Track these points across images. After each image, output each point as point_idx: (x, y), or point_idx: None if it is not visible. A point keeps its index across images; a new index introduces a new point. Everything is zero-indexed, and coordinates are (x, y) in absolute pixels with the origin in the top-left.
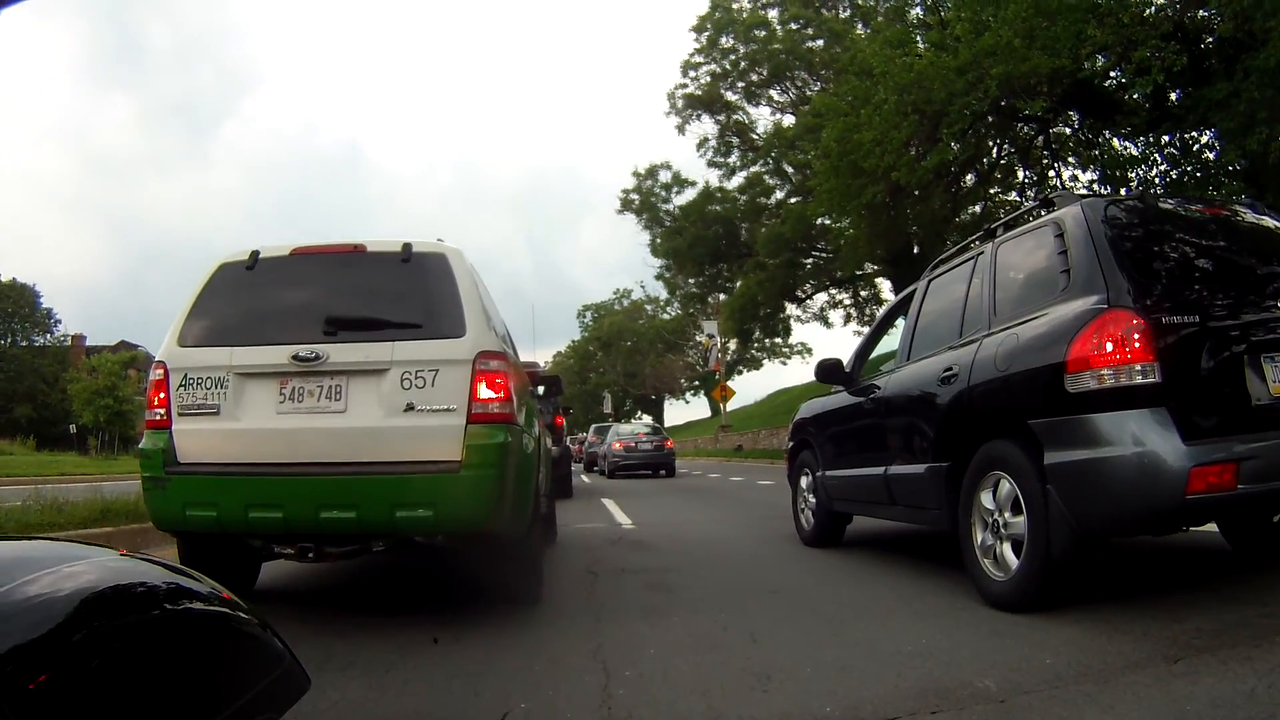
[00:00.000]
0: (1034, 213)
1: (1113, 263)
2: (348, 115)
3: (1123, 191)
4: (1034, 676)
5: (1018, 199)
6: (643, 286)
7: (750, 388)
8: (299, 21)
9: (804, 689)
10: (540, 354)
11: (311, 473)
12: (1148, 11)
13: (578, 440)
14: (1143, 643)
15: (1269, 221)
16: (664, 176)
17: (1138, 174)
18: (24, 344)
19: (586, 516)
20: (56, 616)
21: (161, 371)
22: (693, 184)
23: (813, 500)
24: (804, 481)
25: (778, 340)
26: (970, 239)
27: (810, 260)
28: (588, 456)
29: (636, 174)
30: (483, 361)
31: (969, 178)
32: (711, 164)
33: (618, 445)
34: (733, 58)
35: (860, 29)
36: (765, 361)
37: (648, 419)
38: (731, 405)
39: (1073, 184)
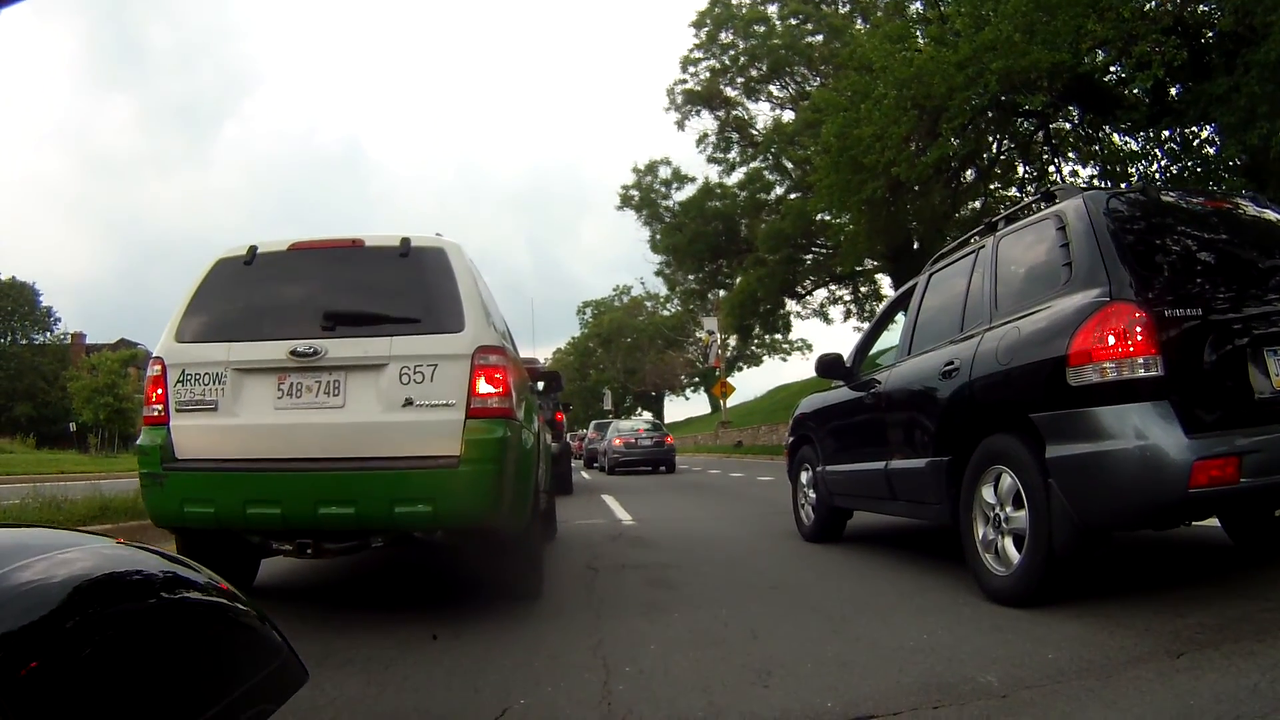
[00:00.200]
0: (1035, 206)
1: (1115, 255)
2: (348, 114)
3: (1123, 187)
4: (1036, 671)
5: (1018, 194)
6: (643, 283)
7: (750, 384)
8: (299, 21)
9: (805, 684)
10: (540, 350)
11: (310, 468)
12: (1148, 6)
13: (578, 436)
14: (1145, 637)
15: (1271, 214)
16: (664, 173)
17: (1138, 169)
18: (24, 342)
19: (587, 512)
20: (50, 603)
21: (159, 367)
22: (692, 180)
23: (813, 495)
24: (804, 477)
25: (778, 336)
26: (971, 233)
27: (810, 256)
28: (588, 453)
29: (636, 170)
30: (482, 356)
31: (969, 173)
32: (711, 160)
33: (618, 441)
34: (732, 53)
35: (860, 24)
36: (765, 358)
37: (648, 415)
38: (731, 401)
39: (1073, 179)
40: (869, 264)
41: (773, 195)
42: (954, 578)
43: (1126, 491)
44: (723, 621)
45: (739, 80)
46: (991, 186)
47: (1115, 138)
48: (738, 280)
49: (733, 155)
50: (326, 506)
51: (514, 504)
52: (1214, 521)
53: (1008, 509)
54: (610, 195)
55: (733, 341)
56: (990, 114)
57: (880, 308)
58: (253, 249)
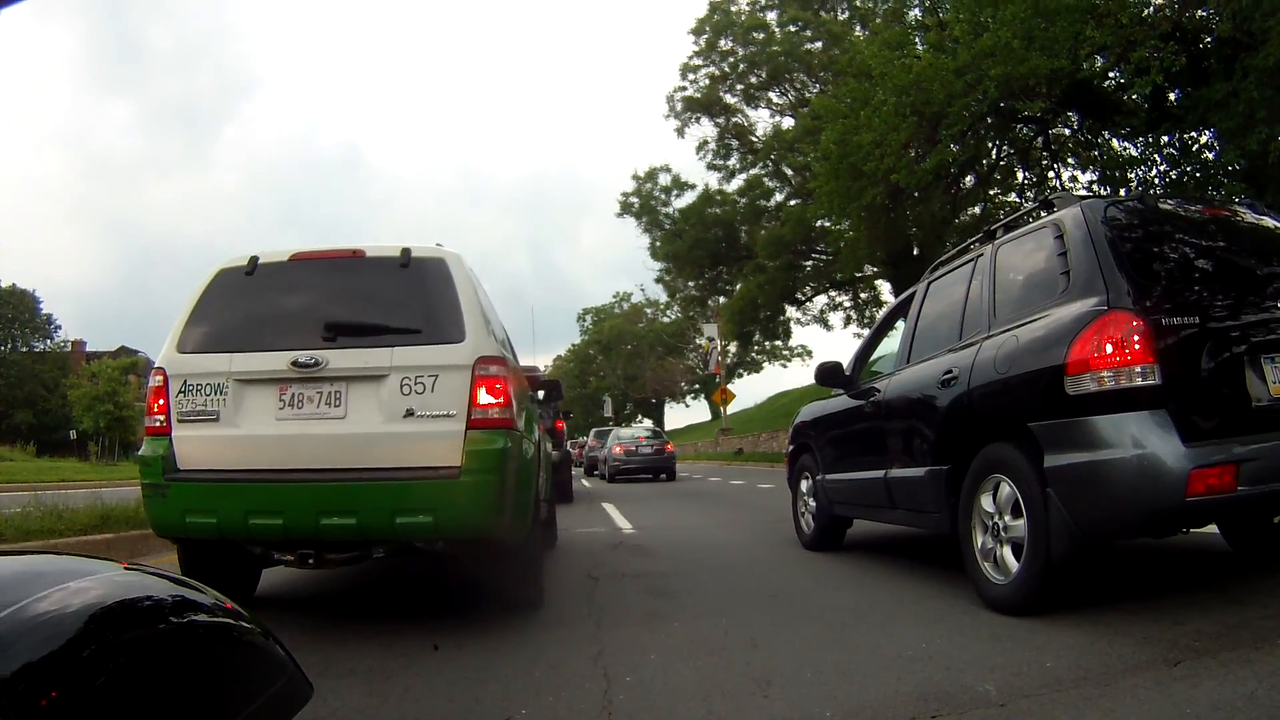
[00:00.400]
0: (1034, 214)
1: (1112, 264)
2: (348, 118)
3: (1122, 192)
4: (1034, 680)
5: (1017, 200)
6: (643, 290)
7: (750, 391)
8: (299, 24)
9: (804, 694)
10: (540, 358)
11: (311, 479)
12: (1146, 12)
13: (578, 444)
14: (1143, 646)
15: (1269, 221)
16: (663, 179)
17: (1137, 174)
18: (24, 350)
19: (587, 521)
20: (67, 634)
21: (161, 378)
22: (692, 187)
23: (813, 504)
24: (804, 485)
25: (778, 343)
26: (970, 241)
27: (810, 262)
28: (588, 460)
29: (636, 177)
30: (482, 367)
31: (968, 179)
32: (711, 167)
33: (618, 449)
34: (731, 60)
35: (859, 31)
36: (765, 364)
37: (648, 423)
38: (732, 408)
39: (1072, 185)
40: (869, 270)
41: (772, 202)
42: (953, 586)
43: (1124, 500)
44: (723, 630)
45: (738, 87)
46: (991, 192)
47: (1114, 143)
48: (738, 287)
49: (732, 162)
50: (328, 517)
51: (514, 514)
52: (1213, 528)
53: (1006, 518)
54: (611, 200)
55: (733, 348)
56: (989, 120)
57: (879, 315)
58: (254, 259)
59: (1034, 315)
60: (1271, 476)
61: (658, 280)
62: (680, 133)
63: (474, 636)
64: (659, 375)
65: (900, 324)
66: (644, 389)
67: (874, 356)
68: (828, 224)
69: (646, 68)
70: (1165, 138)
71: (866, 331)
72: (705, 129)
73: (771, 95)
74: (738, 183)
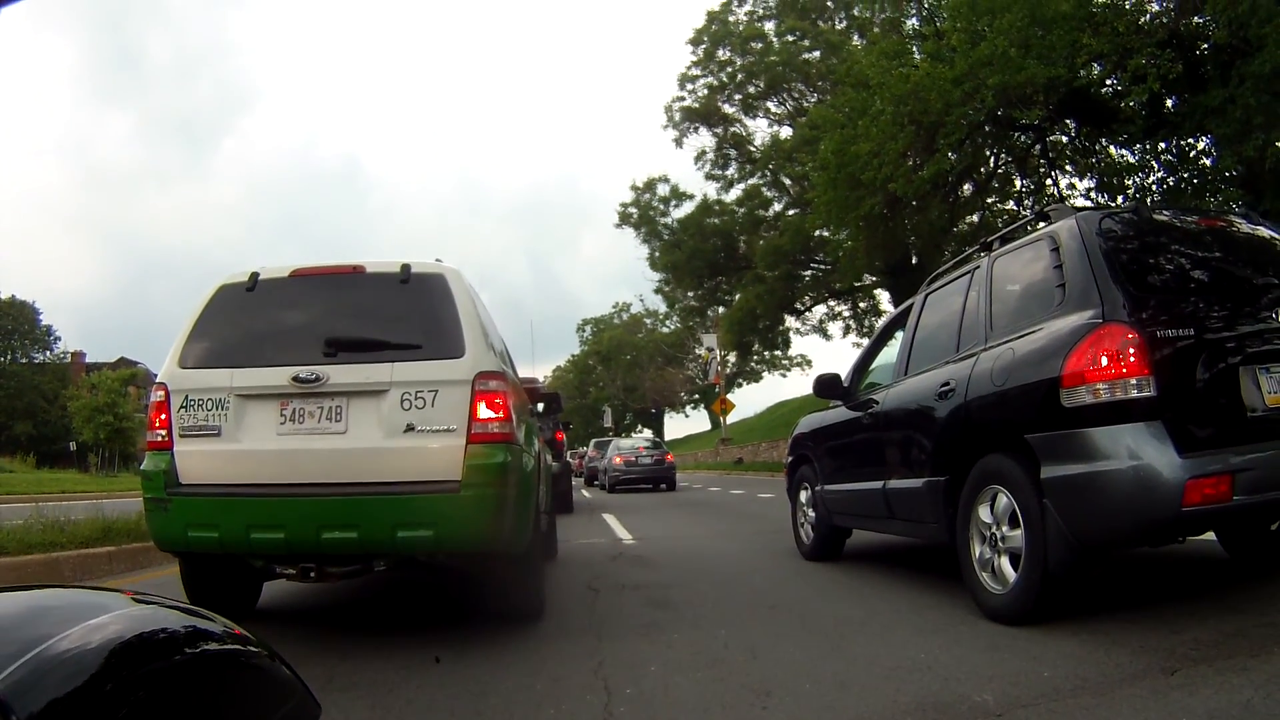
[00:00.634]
0: (1030, 226)
1: (1107, 276)
2: (347, 129)
3: (1120, 199)
4: (1032, 690)
5: (1015, 208)
6: (642, 300)
7: (750, 400)
8: (298, 36)
9: (803, 705)
10: (539, 368)
11: (312, 493)
12: (1143, 19)
13: (578, 455)
14: (1140, 655)
15: (1264, 232)
16: (662, 190)
17: (1135, 181)
18: (24, 361)
19: (587, 532)
20: (88, 669)
21: (162, 393)
22: (691, 197)
23: (812, 514)
24: (803, 496)
25: (777, 353)
26: (967, 252)
27: (809, 272)
28: (588, 471)
29: (635, 188)
30: (482, 382)
31: (966, 188)
32: (709, 177)
33: (618, 460)
34: (729, 70)
35: (856, 40)
36: (765, 374)
37: (648, 433)
38: (731, 418)
39: (1070, 192)
40: (868, 279)
41: (771, 212)
42: (951, 596)
43: (1121, 511)
44: (723, 642)
45: (737, 97)
46: (989, 200)
47: (1112, 150)
48: (737, 297)
49: (731, 172)
50: (329, 531)
51: (515, 527)
52: (1210, 536)
53: (1004, 528)
54: (609, 210)
55: (732, 358)
56: (987, 129)
57: (877, 326)
58: (255, 275)
59: (1030, 328)
60: (1267, 486)
61: (657, 291)
62: (679, 143)
63: (475, 649)
64: (658, 385)
65: (898, 335)
66: (643, 399)
67: (872, 368)
68: (826, 233)
69: (645, 79)
70: (1163, 144)
71: (865, 341)
72: (704, 139)
73: (769, 105)
74: (736, 193)
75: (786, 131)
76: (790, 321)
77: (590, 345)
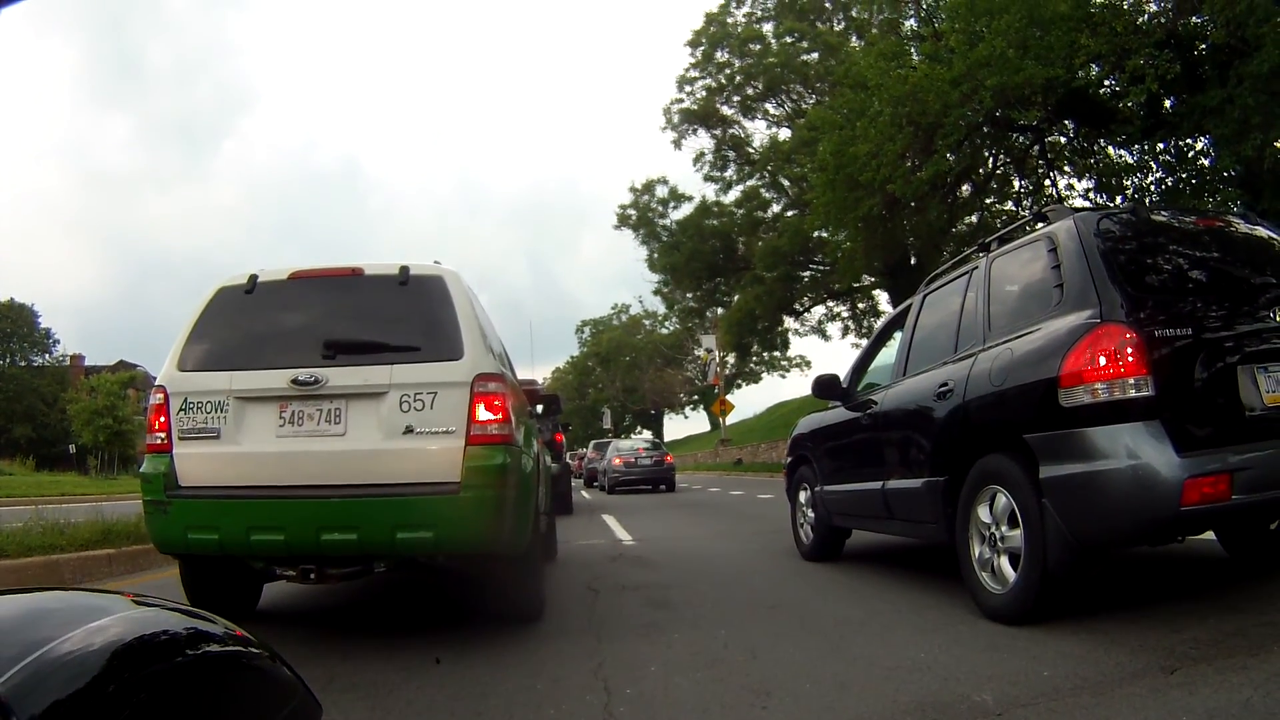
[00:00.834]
0: (1028, 227)
1: (1105, 277)
2: (346, 131)
3: (1119, 200)
4: (1031, 689)
5: (1014, 209)
6: (641, 301)
7: (749, 401)
8: (297, 38)
9: (803, 705)
10: (539, 370)
11: (312, 495)
12: (1141, 20)
13: (577, 456)
14: (1139, 654)
15: (1261, 232)
16: (661, 191)
17: (1133, 182)
18: (23, 364)
19: (587, 533)
20: (90, 672)
21: (161, 395)
22: (689, 198)
23: (811, 515)
24: (803, 496)
25: (776, 354)
26: (966, 253)
27: (808, 273)
28: (587, 472)
29: (634, 189)
30: (481, 383)
31: (965, 188)
32: (708, 178)
33: (617, 461)
34: (728, 72)
35: (855, 42)
36: (764, 375)
37: (647, 434)
38: (731, 419)
39: (1068, 193)
40: (866, 280)
41: (770, 213)
42: (951, 596)
43: (1119, 510)
44: (722, 642)
45: (735, 99)
46: (988, 201)
47: (1110, 151)
48: (736, 298)
49: (729, 173)
50: (329, 532)
51: (514, 528)
52: (1210, 535)
53: (1003, 528)
54: (609, 212)
55: (731, 359)
56: (985, 129)
57: (876, 327)
58: (253, 278)
59: (1028, 328)
60: (1266, 485)
61: (656, 292)
62: (677, 144)
63: (475, 650)
64: (658, 387)
65: (897, 336)
66: (643, 400)
67: (870, 369)
68: (825, 234)
69: (644, 81)
70: (1161, 145)
71: (864, 342)
72: (702, 140)
73: (768, 106)
74: (735, 194)
75: (785, 133)
76: (789, 322)
77: (589, 347)
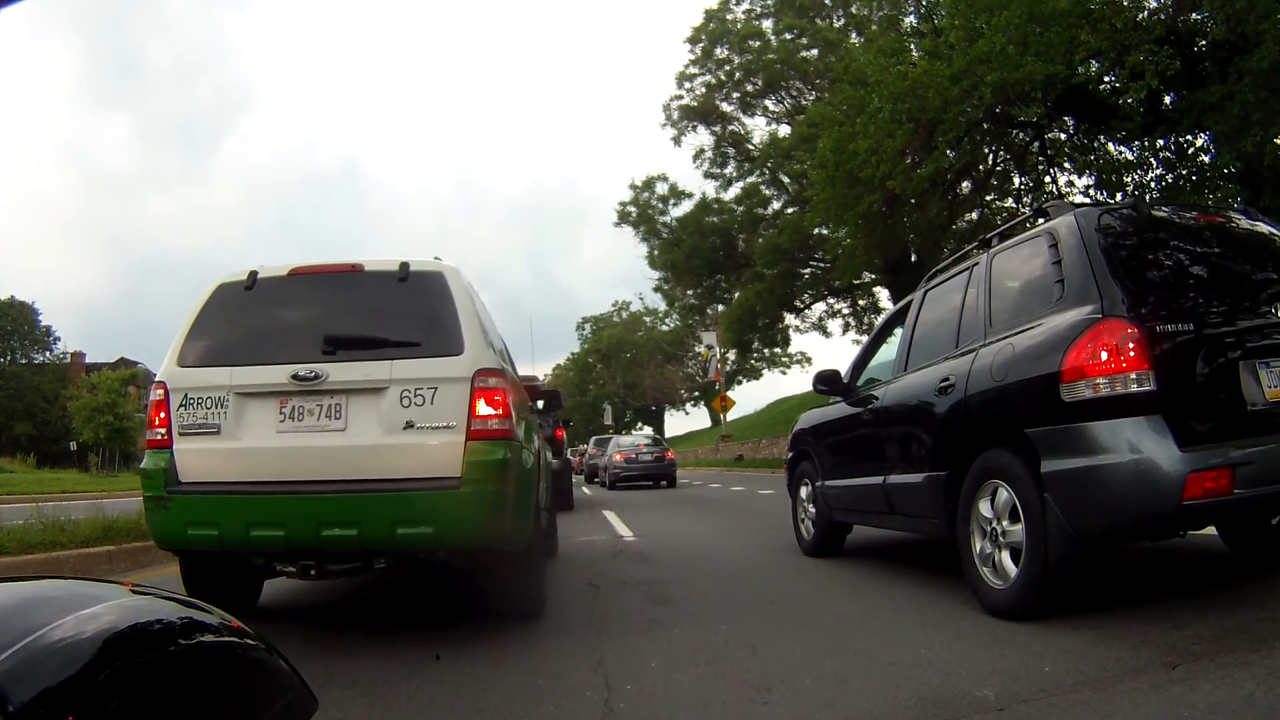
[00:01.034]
0: (1029, 222)
1: (1106, 272)
2: (346, 131)
3: (1119, 196)
4: (1032, 685)
5: (1014, 205)
6: (641, 298)
7: (750, 398)
8: (296, 38)
9: (804, 701)
10: (539, 367)
11: (312, 491)
12: (1140, 16)
13: (578, 452)
14: (1141, 649)
15: (1262, 227)
16: (661, 189)
17: (1133, 178)
18: (23, 361)
19: (588, 529)
20: (81, 659)
21: (162, 391)
22: (689, 196)
23: (812, 510)
24: (803, 492)
25: (777, 350)
26: (966, 249)
27: (808, 270)
28: (588, 468)
29: (633, 186)
30: (481, 379)
31: (965, 185)
32: (708, 175)
33: (618, 457)
34: (727, 68)
35: (854, 38)
36: (765, 371)
37: (648, 430)
38: (731, 415)
39: (1069, 189)
40: (867, 277)
41: (770, 210)
42: (952, 592)
43: (1121, 505)
44: (723, 638)
45: (735, 95)
46: (988, 198)
47: (1110, 147)
48: (736, 295)
49: (729, 170)
50: (329, 528)
51: (515, 524)
52: (1211, 530)
53: (1004, 523)
54: (609, 210)
55: (732, 356)
56: (985, 126)
57: (877, 323)
58: (253, 274)
59: (1029, 323)
60: (1268, 479)
61: (656, 289)
62: (677, 141)
63: (475, 646)
64: (658, 383)
65: (898, 332)
66: (644, 397)
67: (871, 364)
68: (825, 231)
69: (644, 78)
70: (1161, 141)
71: (865, 338)
72: (702, 137)
73: (768, 103)
74: (735, 191)
75: (785, 130)
76: (790, 319)
77: (590, 343)
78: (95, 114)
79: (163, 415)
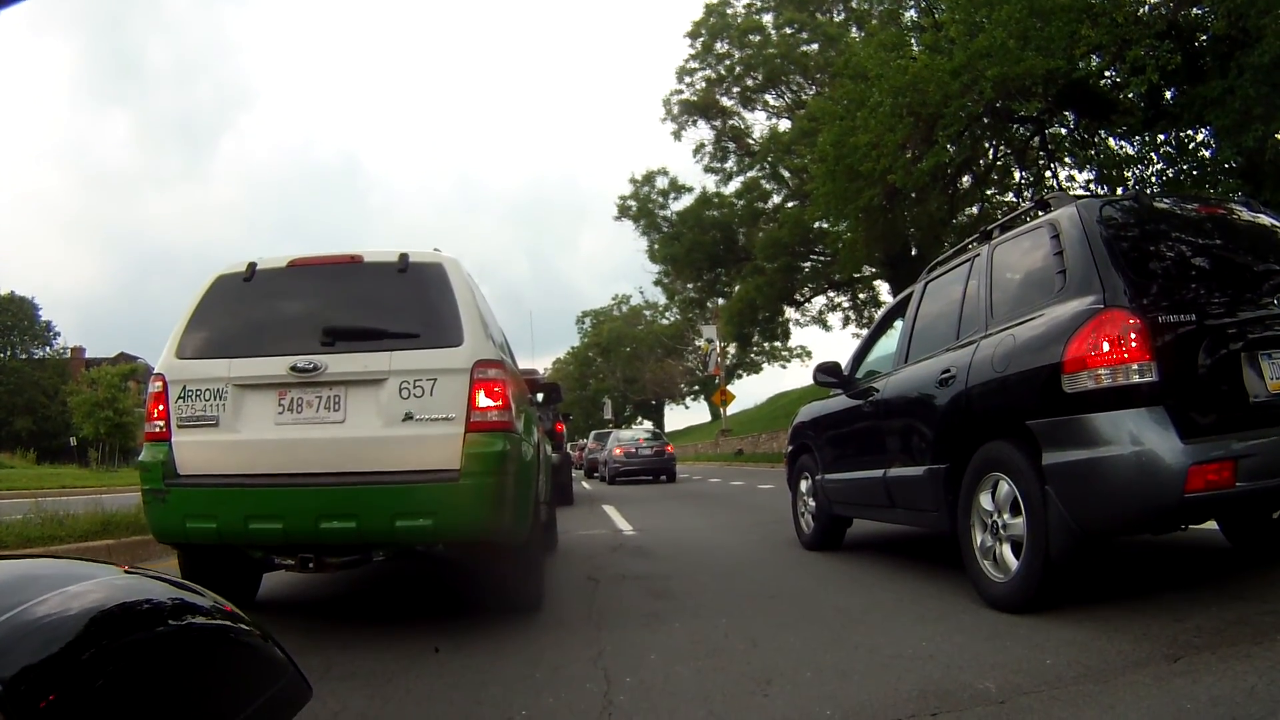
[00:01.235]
0: (1030, 214)
1: (1108, 263)
2: (346, 128)
3: (1119, 191)
4: (1034, 677)
5: (1014, 199)
6: (641, 292)
7: (750, 392)
8: (296, 36)
9: (804, 694)
10: (540, 361)
11: (311, 483)
12: (1141, 11)
13: (578, 446)
14: (1143, 642)
15: (1264, 219)
16: (661, 183)
17: (1134, 173)
18: (23, 357)
19: (587, 523)
20: (65, 636)
21: (160, 383)
22: (690, 190)
23: (812, 504)
24: (804, 485)
25: (777, 344)
26: (967, 241)
27: (808, 264)
28: (588, 463)
29: (634, 180)
30: (480, 370)
31: (965, 179)
32: (708, 169)
33: (618, 451)
34: (728, 63)
35: (855, 32)
36: (765, 365)
37: (648, 424)
38: (731, 409)
39: (1069, 184)
40: (867, 271)
41: (770, 204)
42: (953, 585)
43: (1123, 497)
44: (723, 631)
45: (735, 90)
46: (988, 192)
47: (1111, 142)
48: (736, 289)
49: (729, 165)
50: (328, 521)
51: (514, 516)
52: (1212, 524)
53: (1005, 516)
54: (609, 205)
55: (732, 349)
56: (986, 120)
57: (878, 315)
58: (252, 265)
59: (1031, 314)
60: (1270, 472)
61: (656, 283)
62: (677, 136)
63: (474, 639)
64: (658, 377)
65: (898, 324)
66: (643, 391)
67: (872, 356)
68: (825, 225)
69: (643, 72)
70: (1162, 136)
71: (865, 332)
72: (702, 132)
73: (768, 97)
74: (735, 185)
75: (785, 124)
76: (790, 313)
77: (590, 337)
78: (95, 111)
79: (161, 407)
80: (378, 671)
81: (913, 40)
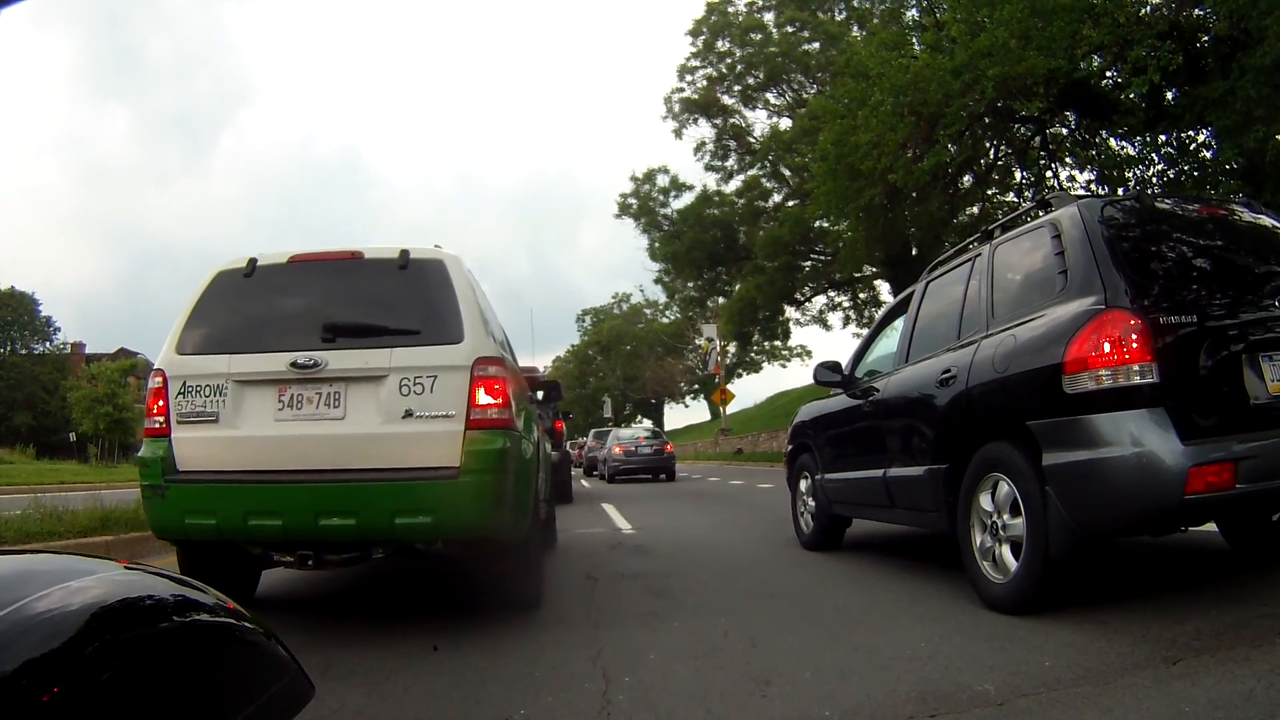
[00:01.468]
0: (1031, 214)
1: (1109, 263)
2: (346, 123)
3: (1120, 191)
4: (1033, 679)
5: (1015, 200)
6: (642, 290)
7: (750, 391)
8: (296, 31)
9: (803, 694)
10: (539, 359)
11: (310, 480)
12: (1143, 11)
13: (577, 445)
14: (1142, 644)
15: (1266, 220)
16: (662, 181)
17: (1135, 174)
18: (23, 352)
19: (586, 521)
20: (66, 632)
21: (160, 379)
22: (690, 188)
23: (812, 503)
24: (803, 485)
25: (777, 343)
26: (968, 240)
27: (809, 263)
28: (587, 461)
29: (634, 178)
30: (481, 367)
31: (966, 179)
32: (709, 168)
33: (617, 450)
34: (729, 61)
35: (856, 31)
36: (765, 364)
37: (647, 423)
38: (731, 408)
39: (1070, 184)
40: (867, 270)
41: (771, 203)
42: (952, 585)
43: (1123, 498)
44: (722, 630)
45: (736, 88)
46: (989, 192)
47: (1112, 142)
48: (736, 287)
49: (730, 163)
50: (327, 518)
51: (514, 514)
52: (1212, 526)
53: (1005, 516)
54: (609, 202)
55: (732, 348)
56: (987, 120)
57: (878, 315)
58: (252, 261)
59: (1032, 314)
60: (1270, 474)
61: (656, 281)
62: (678, 134)
63: (473, 637)
64: (658, 376)
65: (899, 323)
66: (643, 389)
67: (872, 356)
68: (826, 224)
69: (644, 70)
70: (1163, 137)
71: (865, 331)
72: (703, 130)
73: (769, 96)
74: (736, 184)
75: (786, 122)
76: (790, 312)
77: (590, 336)
78: (96, 107)
79: (161, 403)
80: (376, 669)
81: (914, 39)
